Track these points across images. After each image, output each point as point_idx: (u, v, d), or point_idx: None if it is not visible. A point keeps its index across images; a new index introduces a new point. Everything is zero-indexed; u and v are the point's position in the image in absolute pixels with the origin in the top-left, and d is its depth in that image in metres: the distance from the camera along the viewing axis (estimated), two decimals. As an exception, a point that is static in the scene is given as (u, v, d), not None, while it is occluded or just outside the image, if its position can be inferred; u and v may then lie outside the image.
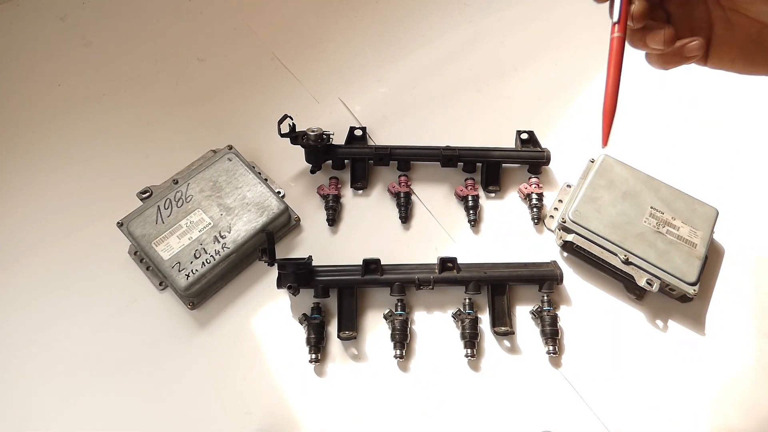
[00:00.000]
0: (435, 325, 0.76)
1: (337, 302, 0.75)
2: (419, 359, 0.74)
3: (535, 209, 0.83)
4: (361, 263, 0.75)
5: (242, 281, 0.78)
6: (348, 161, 0.87)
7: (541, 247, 0.82)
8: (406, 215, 0.83)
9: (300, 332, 0.74)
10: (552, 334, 0.73)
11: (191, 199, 0.75)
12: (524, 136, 0.89)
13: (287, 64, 0.99)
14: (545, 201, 0.85)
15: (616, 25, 0.48)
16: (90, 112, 0.91)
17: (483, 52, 1.02)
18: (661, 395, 0.73)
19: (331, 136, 0.83)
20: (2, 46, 0.97)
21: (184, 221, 0.74)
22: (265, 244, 0.72)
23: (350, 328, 0.74)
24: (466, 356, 0.72)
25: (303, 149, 0.83)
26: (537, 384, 0.73)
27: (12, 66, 0.95)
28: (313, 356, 0.71)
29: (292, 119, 0.80)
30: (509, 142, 0.90)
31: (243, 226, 0.74)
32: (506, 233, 0.84)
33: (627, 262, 0.74)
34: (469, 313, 0.74)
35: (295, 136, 0.81)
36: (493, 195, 0.87)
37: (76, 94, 0.93)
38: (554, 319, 0.74)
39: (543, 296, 0.76)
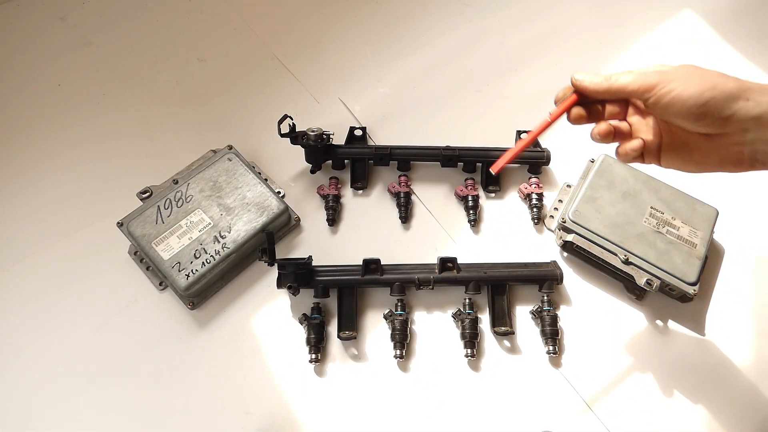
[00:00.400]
0: (435, 325, 0.76)
1: (337, 302, 0.75)
2: (419, 359, 0.74)
3: (535, 209, 0.83)
4: (361, 263, 0.75)
5: (242, 281, 0.78)
6: (348, 161, 0.87)
7: (541, 247, 0.82)
8: (406, 215, 0.83)
9: (300, 332, 0.74)
10: (552, 334, 0.73)
11: (191, 199, 0.75)
12: (524, 136, 0.89)
13: (287, 64, 0.99)
14: (545, 201, 0.85)
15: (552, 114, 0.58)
16: (90, 112, 0.91)
17: (483, 52, 1.02)
18: (661, 395, 0.73)
19: (331, 136, 0.83)
20: (2, 46, 0.97)
21: (184, 221, 0.74)
22: (265, 244, 0.72)
23: (350, 328, 0.74)
24: (466, 356, 0.72)
25: (303, 149, 0.83)
26: (537, 384, 0.73)
27: (12, 66, 0.95)
28: (313, 356, 0.71)
29: (292, 119, 0.80)
30: (509, 142, 0.90)
31: (243, 226, 0.74)
32: (506, 233, 0.84)
33: (627, 262, 0.74)
34: (469, 313, 0.74)
35: (295, 136, 0.81)
36: (493, 195, 0.87)
37: (76, 94, 0.93)
38: (554, 319, 0.74)
39: (543, 296, 0.76)
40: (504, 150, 0.86)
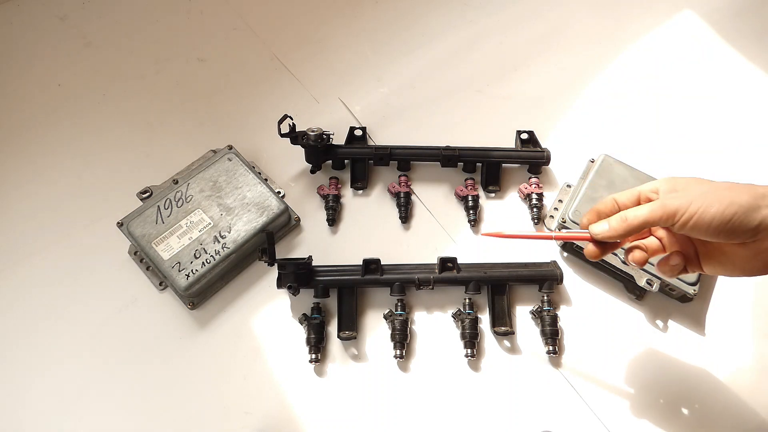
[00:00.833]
0: (435, 325, 0.76)
1: (337, 302, 0.75)
2: (419, 359, 0.74)
3: (535, 209, 0.83)
4: (361, 263, 0.75)
5: (242, 281, 0.78)
6: (348, 161, 0.87)
7: (541, 247, 0.82)
8: (406, 215, 0.83)
9: (300, 332, 0.74)
10: (552, 334, 0.73)
11: (191, 199, 0.75)
12: (524, 136, 0.89)
13: (287, 64, 0.99)
14: (545, 201, 0.85)
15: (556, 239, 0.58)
16: (90, 112, 0.91)
17: (483, 52, 1.02)
18: (661, 395, 0.73)
19: (331, 136, 0.83)
20: (2, 46, 0.97)
21: (184, 221, 0.74)
22: (265, 244, 0.72)
23: (350, 328, 0.74)
24: (466, 356, 0.72)
25: (303, 149, 0.83)
26: (537, 384, 0.73)
27: (12, 66, 0.95)
28: (313, 356, 0.71)
29: (292, 119, 0.80)
30: (509, 142, 0.90)
31: (243, 226, 0.74)
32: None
33: (627, 262, 0.74)
34: (469, 313, 0.74)
35: (295, 136, 0.81)
36: (493, 195, 0.87)
37: (76, 94, 0.93)
38: (554, 319, 0.74)
39: (543, 296, 0.76)
40: (504, 150, 0.87)
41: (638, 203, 0.54)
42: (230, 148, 0.81)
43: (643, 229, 0.51)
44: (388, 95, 0.96)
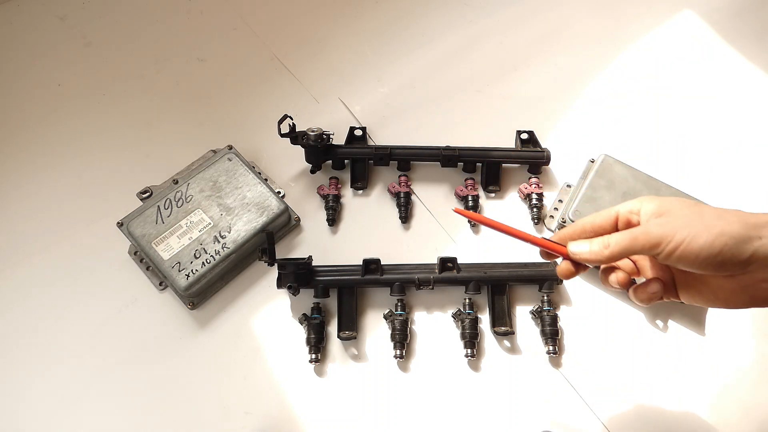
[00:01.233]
0: (435, 325, 0.76)
1: (337, 302, 0.75)
2: (419, 359, 0.74)
3: (535, 209, 0.83)
4: (361, 263, 0.75)
5: (242, 281, 0.78)
6: (348, 161, 0.87)
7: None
8: (406, 215, 0.83)
9: (300, 332, 0.74)
10: (552, 334, 0.73)
11: (191, 199, 0.75)
12: (524, 136, 0.89)
13: (287, 64, 0.99)
14: (545, 201, 0.85)
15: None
16: (90, 112, 0.91)
17: (483, 52, 1.02)
18: (661, 395, 0.73)
19: (331, 136, 0.83)
20: (2, 46, 0.97)
21: (184, 221, 0.74)
22: (265, 244, 0.72)
23: (350, 328, 0.74)
24: (466, 356, 0.72)
25: (303, 149, 0.83)
26: (537, 384, 0.73)
27: (12, 66, 0.95)
28: (313, 356, 0.71)
29: (292, 119, 0.80)
30: (509, 142, 0.90)
31: (243, 226, 0.74)
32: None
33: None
34: (469, 313, 0.74)
35: (295, 136, 0.81)
36: (493, 195, 0.87)
37: (76, 94, 0.93)
38: (554, 319, 0.74)
39: (543, 296, 0.76)
40: (504, 150, 0.87)
41: (615, 224, 0.50)
42: (230, 148, 0.81)
43: (623, 258, 0.48)
44: (388, 95, 0.96)
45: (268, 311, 0.76)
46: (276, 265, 0.73)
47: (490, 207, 0.86)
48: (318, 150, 0.82)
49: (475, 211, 0.83)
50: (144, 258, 0.76)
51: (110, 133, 0.89)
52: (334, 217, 0.82)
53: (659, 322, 0.77)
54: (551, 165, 0.88)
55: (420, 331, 0.76)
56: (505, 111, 0.95)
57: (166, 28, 1.01)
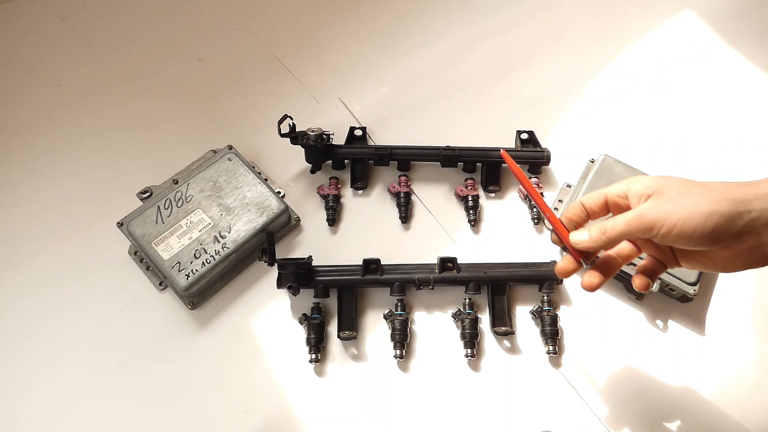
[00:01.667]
0: (435, 325, 0.76)
1: (337, 302, 0.75)
2: (419, 359, 0.74)
3: (535, 209, 0.83)
4: (361, 263, 0.75)
5: (242, 281, 0.78)
6: (348, 161, 0.87)
7: (541, 247, 0.82)
8: (406, 215, 0.83)
9: (300, 332, 0.74)
10: (552, 334, 0.73)
11: (191, 199, 0.75)
12: (524, 136, 0.89)
13: (287, 64, 0.99)
14: (545, 201, 0.84)
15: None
16: (90, 112, 0.91)
17: (483, 52, 1.02)
18: (661, 395, 0.73)
19: (331, 136, 0.83)
20: (2, 46, 0.97)
21: (184, 221, 0.74)
22: (265, 244, 0.72)
23: (350, 328, 0.73)
24: (466, 356, 0.72)
25: (303, 149, 0.83)
26: (537, 384, 0.73)
27: (12, 66, 0.95)
28: (313, 356, 0.71)
29: (292, 119, 0.80)
30: (509, 142, 0.90)
31: (243, 226, 0.74)
32: (506, 233, 0.84)
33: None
34: (469, 313, 0.74)
35: (295, 136, 0.81)
36: (493, 195, 0.87)
37: (76, 94, 0.93)
38: (554, 319, 0.74)
39: (543, 296, 0.76)
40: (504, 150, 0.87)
41: (605, 206, 0.52)
42: (230, 148, 0.81)
43: (621, 241, 0.50)
44: (388, 95, 0.96)
45: (268, 311, 0.76)
46: (276, 265, 0.73)
47: (490, 207, 0.86)
48: (318, 150, 0.82)
49: (475, 212, 0.83)
50: (144, 258, 0.76)
51: (110, 133, 0.89)
52: (334, 217, 0.82)
53: (659, 322, 0.77)
54: (551, 165, 0.88)
55: (420, 331, 0.76)
56: (505, 111, 0.95)
57: (166, 28, 1.01)
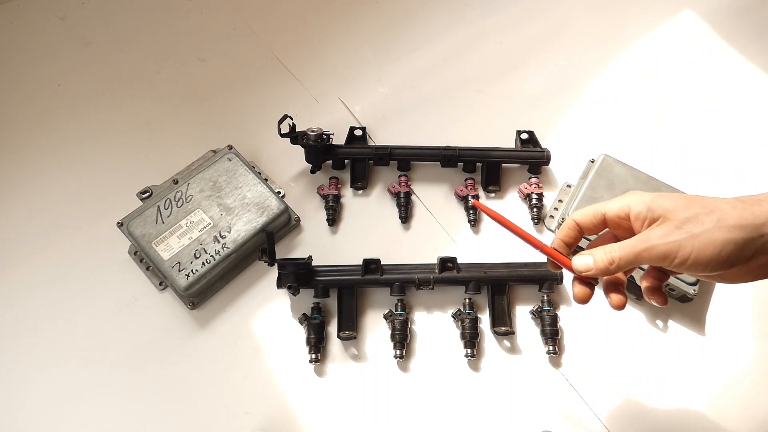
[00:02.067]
0: (435, 325, 0.76)
1: (337, 302, 0.75)
2: (419, 359, 0.74)
3: (535, 209, 0.83)
4: (361, 263, 0.75)
5: (242, 281, 0.78)
6: (348, 161, 0.87)
7: (541, 247, 0.82)
8: (406, 215, 0.83)
9: (300, 332, 0.74)
10: (552, 334, 0.73)
11: (191, 199, 0.75)
12: (524, 136, 0.89)
13: (287, 64, 0.99)
14: (545, 201, 0.85)
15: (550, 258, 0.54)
16: (90, 112, 0.91)
17: (483, 52, 1.02)
18: (661, 395, 0.73)
19: (331, 136, 0.83)
20: (2, 46, 0.97)
21: (184, 221, 0.74)
22: (265, 244, 0.72)
23: (350, 328, 0.73)
24: (466, 356, 0.72)
25: (303, 149, 0.83)
26: (537, 384, 0.73)
27: (12, 66, 0.95)
28: (313, 356, 0.71)
29: (292, 119, 0.80)
30: (509, 142, 0.90)
31: (243, 226, 0.74)
32: (506, 233, 0.83)
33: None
34: (469, 313, 0.74)
35: (295, 136, 0.81)
36: (493, 195, 0.87)
37: (76, 94, 0.93)
38: (554, 319, 0.74)
39: (543, 296, 0.76)
40: (504, 150, 0.87)
41: (602, 224, 0.51)
42: (230, 148, 0.81)
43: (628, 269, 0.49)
44: (388, 95, 0.96)
45: (268, 311, 0.76)
46: (276, 265, 0.73)
47: (491, 207, 0.85)
48: (318, 150, 0.82)
49: (475, 212, 0.83)
50: (144, 258, 0.76)
51: (110, 133, 0.89)
52: (334, 217, 0.82)
53: (659, 322, 0.77)
54: (551, 165, 0.87)
55: (420, 331, 0.76)
56: (505, 111, 0.95)
57: (166, 28, 1.01)
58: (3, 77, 0.94)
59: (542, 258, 0.79)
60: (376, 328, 0.75)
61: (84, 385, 0.70)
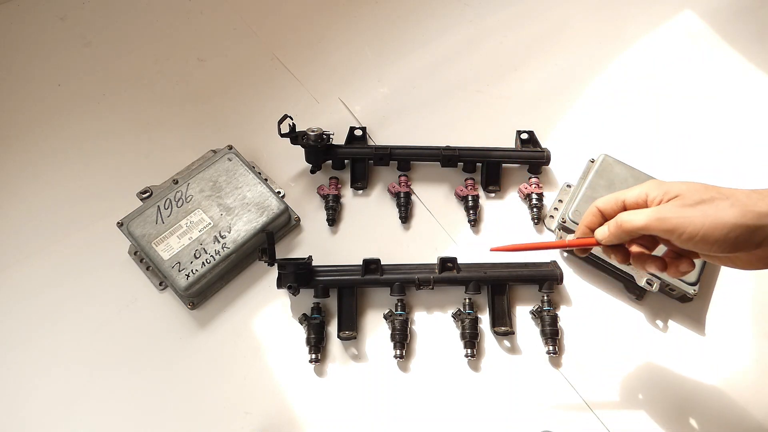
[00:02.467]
0: (435, 325, 0.76)
1: (337, 302, 0.75)
2: (419, 359, 0.74)
3: (535, 209, 0.83)
4: (361, 263, 0.75)
5: (242, 281, 0.78)
6: (348, 161, 0.87)
7: (541, 247, 0.82)
8: (406, 215, 0.83)
9: (300, 332, 0.74)
10: (552, 334, 0.73)
11: (191, 199, 0.75)
12: (524, 136, 0.89)
13: (287, 64, 0.99)
14: (545, 201, 0.85)
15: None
16: (90, 112, 0.91)
17: (483, 52, 1.02)
18: (661, 395, 0.73)
19: (331, 136, 0.83)
20: (2, 46, 0.97)
21: (184, 221, 0.74)
22: (265, 244, 0.72)
23: (350, 328, 0.73)
24: (466, 356, 0.72)
25: (303, 149, 0.83)
26: (537, 384, 0.73)
27: (12, 66, 0.95)
28: (313, 356, 0.71)
29: (292, 119, 0.80)
30: (509, 142, 0.90)
31: (243, 226, 0.74)
32: (506, 233, 0.84)
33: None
34: (469, 313, 0.74)
35: (295, 136, 0.81)
36: (493, 195, 0.87)
37: (76, 94, 0.93)
38: (554, 319, 0.74)
39: (543, 296, 0.76)
40: (504, 150, 0.87)
41: (623, 210, 0.53)
42: (230, 148, 0.81)
43: (638, 235, 0.51)
44: (388, 95, 0.96)
45: (268, 311, 0.76)
46: (276, 265, 0.73)
47: (490, 207, 0.86)
48: (318, 150, 0.82)
49: (475, 212, 0.83)
50: (144, 258, 0.76)
51: (110, 133, 0.89)
52: (334, 217, 0.82)
53: (659, 322, 0.77)
54: (551, 165, 0.88)
55: (420, 331, 0.76)
56: (505, 111, 0.95)
57: (166, 28, 1.01)
58: (3, 77, 0.94)
59: (542, 258, 0.79)
60: (376, 328, 0.75)
61: (84, 385, 0.70)
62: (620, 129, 0.94)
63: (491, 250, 0.57)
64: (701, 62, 1.02)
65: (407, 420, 0.70)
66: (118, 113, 0.91)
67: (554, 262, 0.79)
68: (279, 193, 0.83)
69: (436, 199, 0.86)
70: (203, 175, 0.77)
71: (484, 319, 0.76)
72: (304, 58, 1.00)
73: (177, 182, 0.77)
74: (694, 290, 0.73)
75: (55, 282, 0.76)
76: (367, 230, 0.83)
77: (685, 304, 0.77)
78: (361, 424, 0.70)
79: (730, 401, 0.73)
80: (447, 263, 0.76)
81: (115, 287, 0.76)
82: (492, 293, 0.76)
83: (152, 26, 1.01)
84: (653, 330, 0.77)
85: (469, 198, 0.83)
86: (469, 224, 0.84)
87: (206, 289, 0.75)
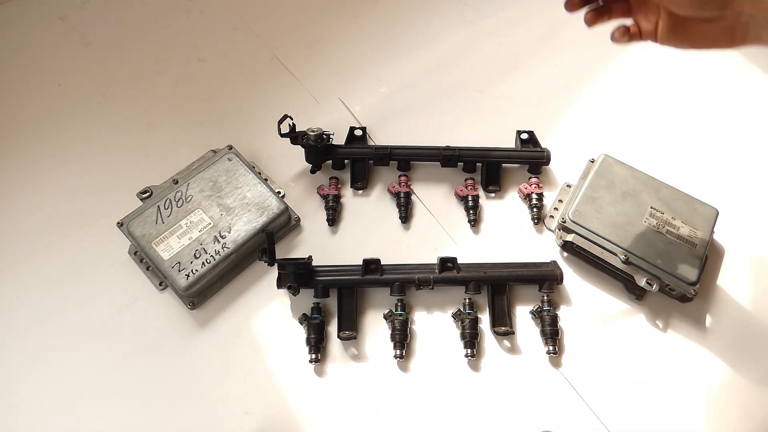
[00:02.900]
0: (435, 325, 0.76)
1: (337, 302, 0.75)
2: (419, 359, 0.74)
3: (535, 209, 0.83)
4: (361, 263, 0.75)
5: (242, 281, 0.78)
6: (348, 161, 0.87)
7: (541, 247, 0.82)
8: (406, 215, 0.83)
9: (300, 332, 0.74)
10: (552, 334, 0.73)
11: (191, 199, 0.75)
12: (524, 136, 0.89)
13: (287, 64, 0.99)
14: (545, 201, 0.85)
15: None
16: (90, 112, 0.91)
17: (483, 52, 1.02)
18: (661, 395, 0.73)
19: (331, 136, 0.83)
20: (2, 46, 0.97)
21: (184, 221, 0.74)
22: (265, 244, 0.72)
23: (350, 328, 0.73)
24: (466, 356, 0.72)
25: (303, 149, 0.83)
26: (537, 384, 0.73)
27: (12, 66, 0.95)
28: (313, 356, 0.71)
29: (292, 119, 0.80)
30: (509, 142, 0.90)
31: (243, 226, 0.74)
32: (506, 233, 0.84)
33: (627, 262, 0.74)
34: (469, 313, 0.74)
35: (295, 136, 0.81)
36: (493, 195, 0.87)
37: (76, 94, 0.93)
38: (554, 319, 0.74)
39: (543, 296, 0.76)
40: (504, 150, 0.87)
41: None
42: (230, 148, 0.81)
43: None
44: (388, 95, 0.96)
45: (268, 311, 0.76)
46: (276, 265, 0.73)
47: (490, 207, 0.86)
48: (318, 150, 0.82)
49: (475, 212, 0.83)
50: (144, 258, 0.76)
51: (110, 133, 0.89)
52: (334, 217, 0.82)
53: (659, 322, 0.77)
54: (551, 165, 0.88)
55: (420, 331, 0.76)
56: (505, 111, 0.95)
57: (166, 28, 1.01)
58: (3, 77, 0.94)
59: (542, 258, 0.79)
60: (376, 328, 0.75)
61: (84, 385, 0.70)
62: (620, 129, 0.94)
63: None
64: (701, 62, 1.02)
65: (407, 420, 0.70)
66: (118, 113, 0.91)
67: (554, 262, 0.79)
68: (279, 193, 0.83)
69: (436, 199, 0.86)
70: (203, 175, 0.77)
71: (484, 319, 0.76)
72: (304, 58, 1.00)
73: (177, 182, 0.77)
74: (694, 290, 0.73)
75: (55, 282, 0.76)
76: (367, 230, 0.83)
77: (685, 304, 0.77)
78: (361, 424, 0.70)
79: (730, 401, 0.73)
80: (447, 263, 0.76)
81: (115, 287, 0.76)
82: (492, 293, 0.76)
83: (152, 26, 1.01)
84: (653, 330, 0.77)
85: (469, 198, 0.83)
86: (469, 224, 0.84)
87: (206, 289, 0.75)
